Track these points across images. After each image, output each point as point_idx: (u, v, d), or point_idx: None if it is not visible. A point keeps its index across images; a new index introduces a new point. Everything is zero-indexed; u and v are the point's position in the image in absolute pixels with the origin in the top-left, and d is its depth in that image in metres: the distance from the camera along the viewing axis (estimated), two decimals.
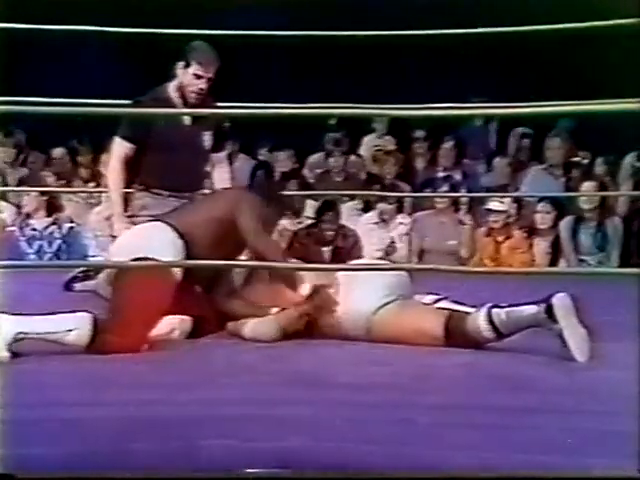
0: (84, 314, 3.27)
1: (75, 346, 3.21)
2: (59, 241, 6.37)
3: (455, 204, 6.81)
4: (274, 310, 3.63)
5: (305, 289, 3.60)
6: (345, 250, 6.12)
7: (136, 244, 3.50)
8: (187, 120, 4.16)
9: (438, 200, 6.65)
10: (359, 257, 5.76)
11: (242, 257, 3.80)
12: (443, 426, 2.38)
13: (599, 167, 7.07)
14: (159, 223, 3.61)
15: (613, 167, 7.03)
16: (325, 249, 6.20)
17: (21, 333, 3.17)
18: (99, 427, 2.31)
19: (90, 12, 4.87)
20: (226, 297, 3.69)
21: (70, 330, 3.21)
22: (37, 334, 3.20)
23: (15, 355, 3.14)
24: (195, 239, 3.53)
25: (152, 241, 3.49)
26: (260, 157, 7.77)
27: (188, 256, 3.49)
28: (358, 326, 3.55)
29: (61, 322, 3.24)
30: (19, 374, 2.83)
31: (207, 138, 4.23)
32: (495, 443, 2.26)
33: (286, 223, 6.26)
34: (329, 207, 6.29)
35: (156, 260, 3.39)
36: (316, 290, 3.60)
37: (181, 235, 3.53)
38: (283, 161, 7.54)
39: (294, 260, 4.02)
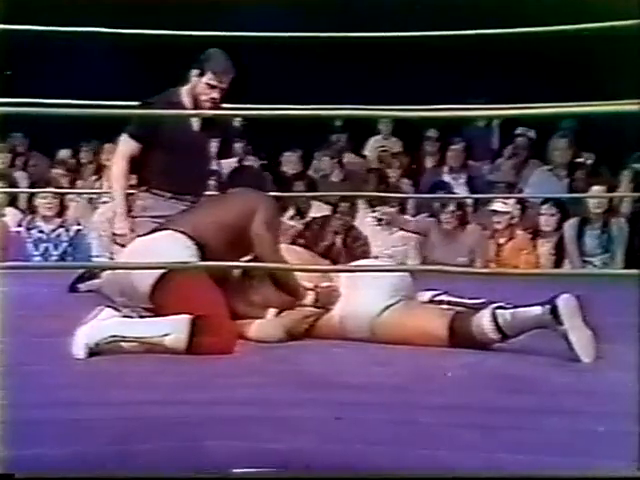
0: (183, 317, 3.27)
1: (174, 349, 3.23)
2: (65, 244, 6.37)
3: (462, 220, 6.62)
4: (272, 311, 3.63)
5: (309, 299, 3.61)
6: (350, 250, 6.06)
7: (151, 255, 3.47)
8: (195, 125, 4.15)
9: (444, 219, 6.54)
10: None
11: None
12: (448, 427, 2.39)
13: (603, 168, 7.07)
14: (172, 232, 3.58)
15: (617, 168, 7.03)
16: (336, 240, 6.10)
17: (117, 336, 3.22)
18: (102, 427, 2.32)
19: (100, 12, 4.86)
20: (230, 295, 3.68)
21: (167, 334, 3.23)
22: (134, 338, 3.23)
23: (94, 354, 3.18)
24: (208, 244, 3.53)
25: (168, 252, 3.47)
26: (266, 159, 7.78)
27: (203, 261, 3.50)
28: (362, 327, 3.56)
29: (158, 326, 3.27)
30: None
31: (214, 144, 4.22)
32: (499, 444, 2.27)
33: (291, 222, 6.26)
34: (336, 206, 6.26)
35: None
36: (319, 292, 3.61)
37: (195, 242, 3.53)
38: (290, 163, 7.54)
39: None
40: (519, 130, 7.63)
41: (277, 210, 3.74)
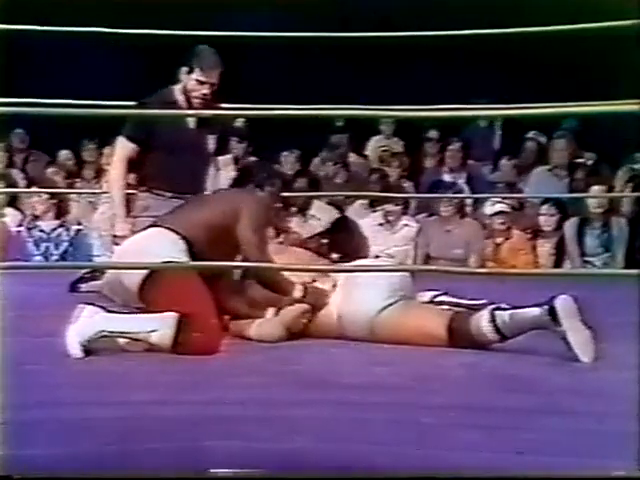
0: (169, 314, 3.27)
1: (160, 346, 3.24)
2: (66, 243, 6.36)
3: (460, 211, 6.67)
4: (271, 310, 3.63)
5: (297, 292, 3.62)
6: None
7: (142, 253, 3.49)
8: (192, 123, 4.16)
9: (443, 208, 6.57)
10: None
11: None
12: (447, 427, 2.39)
13: (603, 168, 7.06)
14: (162, 230, 3.60)
15: (617, 168, 7.02)
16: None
17: (105, 331, 3.23)
18: (102, 427, 2.33)
19: (96, 13, 4.87)
20: (226, 295, 3.67)
21: (153, 331, 3.24)
22: (121, 333, 3.25)
23: (89, 352, 3.19)
24: (196, 241, 3.54)
25: (157, 249, 3.47)
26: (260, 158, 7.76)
27: (191, 257, 3.50)
28: (361, 327, 3.56)
29: (145, 322, 3.28)
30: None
31: (211, 142, 4.24)
32: (498, 444, 2.27)
33: (294, 224, 6.25)
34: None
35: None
36: (307, 289, 3.61)
37: (184, 239, 3.54)
38: (287, 163, 7.54)
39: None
40: (530, 134, 7.62)
41: (265, 208, 3.73)
